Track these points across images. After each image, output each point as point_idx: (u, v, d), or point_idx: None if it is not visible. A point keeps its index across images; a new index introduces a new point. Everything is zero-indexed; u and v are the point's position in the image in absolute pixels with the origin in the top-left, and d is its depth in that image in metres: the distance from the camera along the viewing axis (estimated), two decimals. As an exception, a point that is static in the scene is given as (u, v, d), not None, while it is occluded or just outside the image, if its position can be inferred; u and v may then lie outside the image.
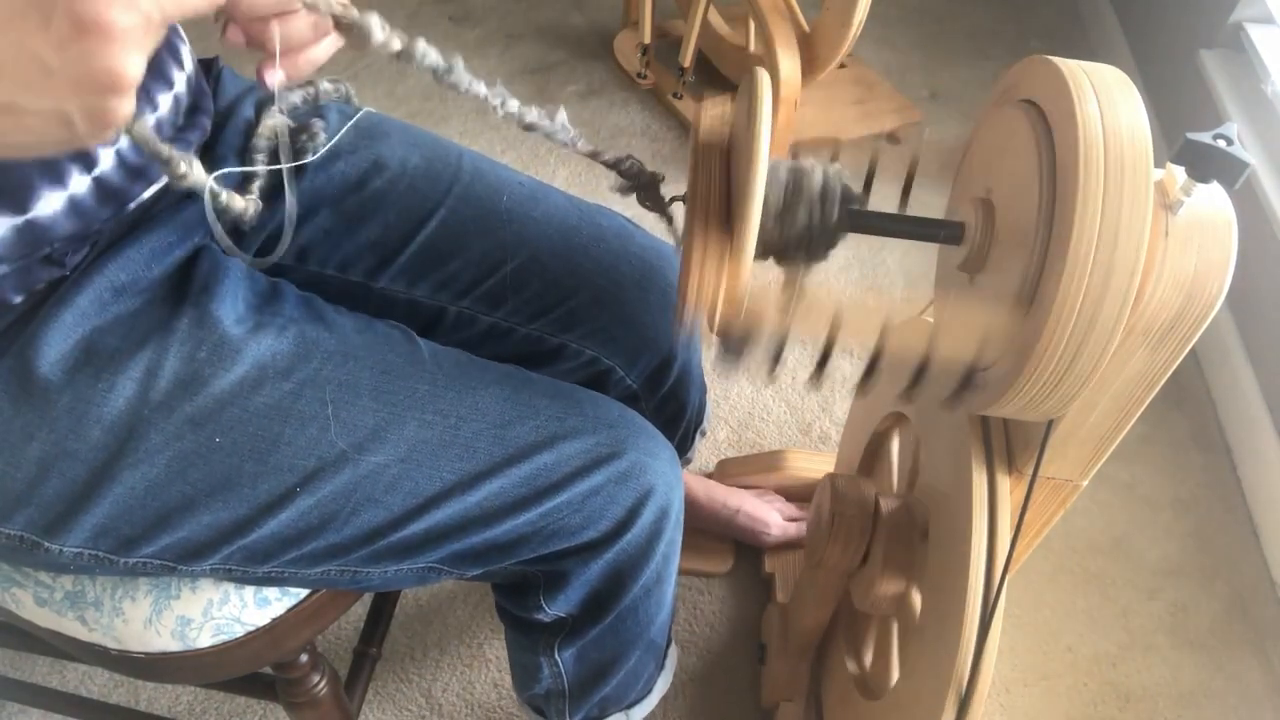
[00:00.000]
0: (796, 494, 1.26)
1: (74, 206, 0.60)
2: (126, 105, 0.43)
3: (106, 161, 0.61)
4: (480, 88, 0.60)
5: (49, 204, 0.58)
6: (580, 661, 0.82)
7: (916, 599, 0.87)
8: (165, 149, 0.54)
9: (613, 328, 0.83)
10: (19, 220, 0.57)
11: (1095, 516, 1.33)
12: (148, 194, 0.65)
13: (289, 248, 0.77)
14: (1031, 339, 0.56)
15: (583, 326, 0.82)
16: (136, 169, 0.63)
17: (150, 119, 0.64)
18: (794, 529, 1.20)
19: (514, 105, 0.62)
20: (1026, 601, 1.24)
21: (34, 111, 0.41)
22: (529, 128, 0.63)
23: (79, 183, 0.60)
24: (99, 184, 0.61)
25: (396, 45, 0.56)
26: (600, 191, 1.69)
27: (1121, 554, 1.30)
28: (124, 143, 0.62)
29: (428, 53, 0.58)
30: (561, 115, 0.65)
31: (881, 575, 0.87)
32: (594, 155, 0.66)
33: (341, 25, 0.55)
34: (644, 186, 0.67)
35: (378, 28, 0.55)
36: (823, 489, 0.93)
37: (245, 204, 0.63)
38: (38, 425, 0.61)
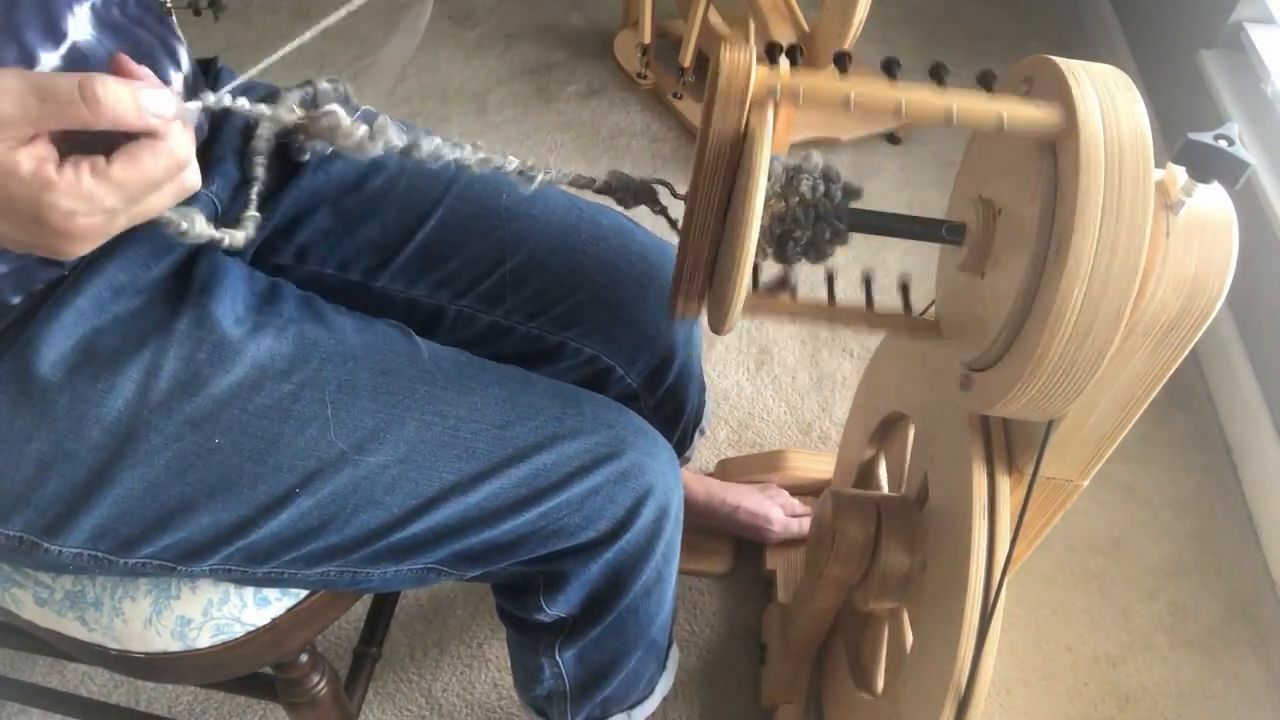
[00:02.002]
0: (797, 494, 1.25)
1: None
2: (84, 254, 0.46)
3: None
4: (456, 152, 0.60)
5: None
6: (581, 662, 0.82)
7: (917, 599, 0.87)
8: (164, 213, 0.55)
9: (612, 326, 0.83)
10: None
11: (1095, 516, 1.33)
12: None
13: (288, 248, 0.77)
14: (1033, 339, 0.56)
15: (582, 325, 0.82)
16: None
17: None
18: (796, 525, 1.20)
19: (513, 163, 0.62)
20: (1026, 601, 1.24)
21: None
22: (522, 175, 0.63)
23: None
24: None
25: (368, 137, 0.56)
26: (600, 191, 1.69)
27: (1121, 554, 1.30)
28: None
29: (432, 142, 0.58)
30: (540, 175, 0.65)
31: (881, 577, 0.87)
32: (582, 185, 0.66)
33: (311, 131, 0.54)
34: (637, 195, 0.67)
35: (346, 118, 0.55)
36: (824, 504, 0.93)
37: (243, 235, 0.65)
38: (37, 426, 0.61)
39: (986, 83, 0.59)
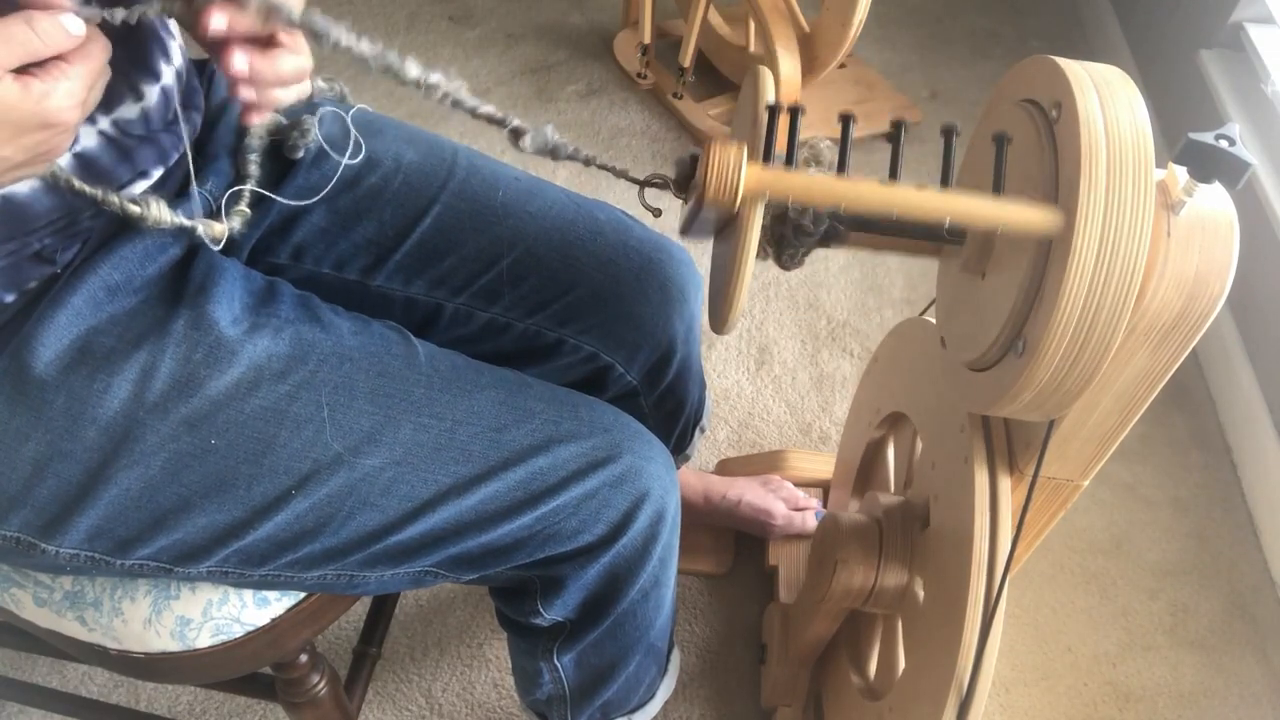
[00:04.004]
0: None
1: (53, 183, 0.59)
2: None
3: (89, 139, 0.60)
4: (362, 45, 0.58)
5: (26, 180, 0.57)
6: (580, 666, 0.82)
7: (918, 598, 0.87)
8: (134, 207, 0.59)
9: (611, 322, 0.82)
10: None
11: (1095, 516, 1.33)
12: (138, 188, 0.65)
13: (284, 247, 0.77)
14: (1034, 340, 0.56)
15: (581, 321, 0.82)
16: (124, 149, 0.63)
17: (135, 108, 0.63)
18: (799, 519, 1.19)
19: (413, 71, 0.60)
20: (1026, 601, 1.24)
21: None
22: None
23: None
24: (81, 160, 0.60)
25: (366, 50, 0.55)
26: (601, 189, 1.69)
27: (1121, 554, 1.30)
28: (107, 124, 0.61)
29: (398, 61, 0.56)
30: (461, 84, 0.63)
31: (882, 579, 0.87)
32: (494, 119, 0.64)
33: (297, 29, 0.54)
34: (554, 153, 0.66)
35: (348, 36, 0.54)
36: (824, 530, 0.92)
37: (221, 228, 0.65)
38: (33, 426, 0.60)
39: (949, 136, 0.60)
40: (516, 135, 0.64)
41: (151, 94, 0.64)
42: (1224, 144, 0.55)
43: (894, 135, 0.61)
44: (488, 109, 0.62)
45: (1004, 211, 0.55)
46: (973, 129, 0.71)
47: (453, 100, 0.60)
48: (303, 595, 0.74)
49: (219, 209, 0.71)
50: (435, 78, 0.59)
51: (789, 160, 0.59)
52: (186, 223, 0.61)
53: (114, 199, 0.59)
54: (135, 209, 0.59)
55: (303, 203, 0.74)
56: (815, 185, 0.55)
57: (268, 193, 0.72)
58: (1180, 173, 0.57)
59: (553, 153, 0.64)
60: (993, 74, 2.00)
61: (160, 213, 0.59)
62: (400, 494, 0.66)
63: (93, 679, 1.13)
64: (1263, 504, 1.34)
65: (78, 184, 0.58)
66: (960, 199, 0.55)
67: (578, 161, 0.65)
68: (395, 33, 1.97)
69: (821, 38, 1.53)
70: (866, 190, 0.54)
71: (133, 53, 0.62)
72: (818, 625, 0.97)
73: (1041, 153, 0.57)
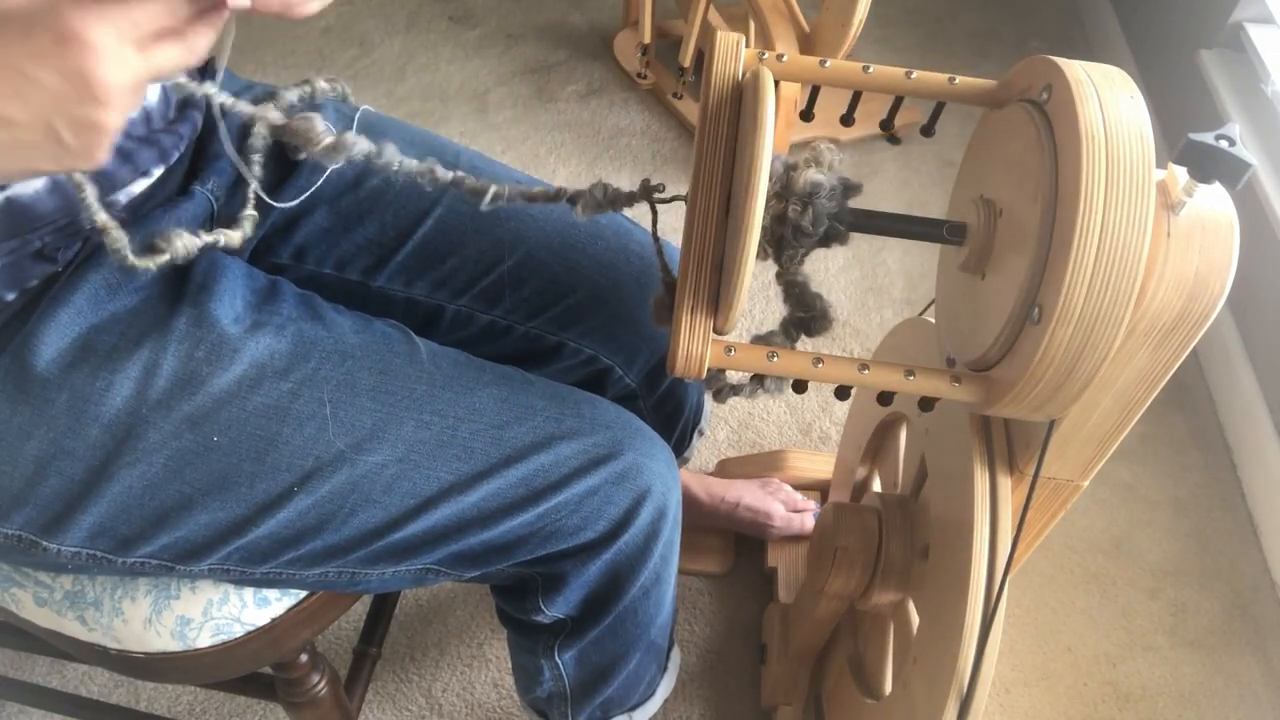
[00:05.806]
0: (797, 491, 1.25)
1: (56, 184, 0.59)
2: (114, 116, 0.43)
3: None
4: (412, 165, 0.64)
5: (29, 181, 0.57)
6: (581, 663, 0.82)
7: (917, 600, 0.87)
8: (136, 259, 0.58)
9: (611, 325, 0.83)
10: None
11: (1095, 516, 1.33)
12: (139, 188, 0.65)
13: (286, 247, 0.77)
14: (1034, 340, 0.56)
15: (581, 324, 0.82)
16: (125, 152, 0.63)
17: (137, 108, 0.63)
18: (798, 521, 1.19)
19: (468, 182, 0.65)
20: (1026, 601, 1.24)
21: (21, 123, 0.42)
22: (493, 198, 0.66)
23: None
24: None
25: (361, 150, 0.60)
26: (600, 191, 1.69)
27: (1121, 554, 1.30)
28: None
29: (357, 142, 0.62)
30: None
31: (882, 580, 0.87)
32: (543, 200, 0.67)
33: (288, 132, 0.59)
34: (612, 204, 0.67)
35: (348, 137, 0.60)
36: (825, 519, 0.92)
37: (239, 235, 0.66)
38: (35, 424, 0.61)
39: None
40: (572, 201, 0.66)
41: (153, 93, 0.64)
42: (1224, 144, 0.55)
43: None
44: (540, 189, 0.67)
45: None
46: (973, 129, 0.71)
47: (507, 196, 0.66)
48: (303, 595, 0.74)
49: (220, 209, 0.71)
50: (492, 189, 0.65)
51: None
52: (208, 239, 0.61)
53: (138, 262, 0.58)
54: (160, 255, 0.58)
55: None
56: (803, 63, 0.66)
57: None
58: (1180, 173, 0.58)
59: (612, 204, 0.66)
60: (993, 74, 1.99)
61: (188, 246, 0.59)
62: (402, 491, 0.66)
63: (93, 679, 1.13)
64: (1263, 504, 1.34)
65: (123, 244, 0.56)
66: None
67: (638, 201, 0.66)
68: (395, 33, 1.97)
69: (821, 38, 1.53)
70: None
71: None
72: (818, 617, 0.97)
73: (1041, 153, 0.57)
